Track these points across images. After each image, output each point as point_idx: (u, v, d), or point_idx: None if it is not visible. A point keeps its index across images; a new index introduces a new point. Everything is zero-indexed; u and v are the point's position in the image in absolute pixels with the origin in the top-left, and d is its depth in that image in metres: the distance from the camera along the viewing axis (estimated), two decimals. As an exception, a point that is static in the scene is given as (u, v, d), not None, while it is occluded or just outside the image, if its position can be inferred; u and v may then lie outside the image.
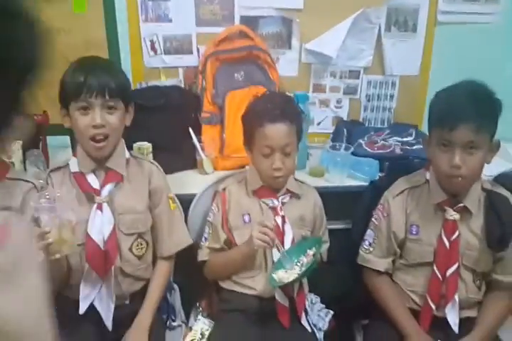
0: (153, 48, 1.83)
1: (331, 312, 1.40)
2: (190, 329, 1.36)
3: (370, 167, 1.62)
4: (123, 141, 1.33)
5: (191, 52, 1.85)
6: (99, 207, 1.24)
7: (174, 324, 1.41)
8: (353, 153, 1.74)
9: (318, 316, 1.38)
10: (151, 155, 1.63)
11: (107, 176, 1.26)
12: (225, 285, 1.37)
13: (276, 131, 1.25)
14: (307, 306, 1.37)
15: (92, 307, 1.24)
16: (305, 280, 1.36)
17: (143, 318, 1.28)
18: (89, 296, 1.24)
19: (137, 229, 1.30)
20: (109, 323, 1.24)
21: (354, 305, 1.48)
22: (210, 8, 1.79)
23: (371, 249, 1.37)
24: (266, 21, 1.82)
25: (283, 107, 1.27)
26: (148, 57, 1.85)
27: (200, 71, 1.80)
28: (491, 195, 1.28)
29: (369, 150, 1.76)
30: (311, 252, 1.24)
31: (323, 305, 1.42)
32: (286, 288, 1.29)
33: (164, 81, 1.86)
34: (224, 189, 1.39)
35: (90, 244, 1.22)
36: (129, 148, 1.59)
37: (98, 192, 1.24)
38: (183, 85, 1.88)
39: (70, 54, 1.78)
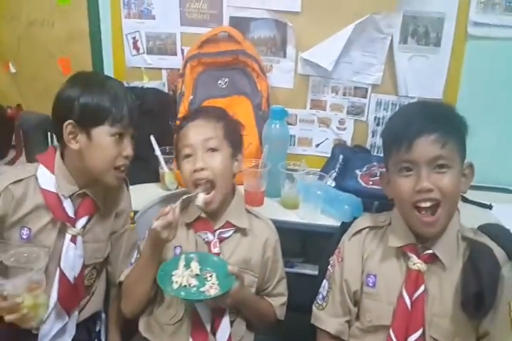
0: (135, 46, 1.69)
1: None
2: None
3: (350, 205, 1.32)
4: None
5: (175, 54, 1.68)
6: (73, 240, 1.09)
7: None
8: (340, 186, 1.47)
9: None
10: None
11: (83, 205, 1.11)
12: (144, 330, 1.14)
13: (195, 127, 1.12)
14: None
15: None
16: (239, 339, 1.11)
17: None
18: (50, 333, 1.09)
19: (96, 260, 1.16)
20: None
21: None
22: (196, 6, 1.62)
23: (324, 305, 1.10)
24: (258, 24, 1.61)
25: (209, 108, 1.18)
26: (131, 56, 1.71)
27: (180, 74, 1.62)
28: (472, 245, 0.97)
29: (362, 184, 1.47)
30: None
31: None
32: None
33: (147, 82, 1.71)
34: None
35: (63, 281, 1.07)
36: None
37: (73, 223, 1.09)
38: (166, 89, 1.72)
39: (53, 46, 1.73)
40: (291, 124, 1.66)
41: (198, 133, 1.10)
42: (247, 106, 1.57)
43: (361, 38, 1.56)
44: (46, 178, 1.08)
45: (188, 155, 1.10)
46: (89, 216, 1.12)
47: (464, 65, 1.58)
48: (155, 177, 1.54)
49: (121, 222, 1.21)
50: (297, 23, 1.58)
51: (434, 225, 0.94)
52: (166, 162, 1.50)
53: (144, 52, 1.70)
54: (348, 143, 1.70)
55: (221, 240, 1.12)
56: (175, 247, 1.13)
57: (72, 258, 1.09)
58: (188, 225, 1.14)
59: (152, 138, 1.49)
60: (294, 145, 1.71)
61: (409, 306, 0.96)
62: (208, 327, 1.06)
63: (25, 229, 1.07)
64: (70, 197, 1.09)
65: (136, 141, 1.49)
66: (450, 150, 0.93)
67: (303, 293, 1.26)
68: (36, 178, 1.08)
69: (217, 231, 1.12)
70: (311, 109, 1.68)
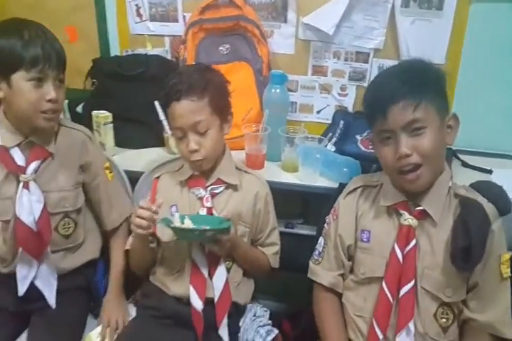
0: (138, 14, 1.70)
1: (276, 331, 1.19)
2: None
3: (349, 167, 1.35)
4: None
5: (177, 20, 1.69)
6: (26, 186, 1.14)
7: None
8: (340, 150, 1.50)
9: (256, 332, 1.18)
10: (110, 126, 1.53)
11: (32, 152, 1.15)
12: (151, 278, 1.24)
13: (182, 110, 1.09)
14: (246, 319, 1.20)
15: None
16: (235, 285, 1.18)
17: (114, 285, 1.27)
18: (28, 277, 1.17)
19: (64, 208, 1.21)
20: (52, 301, 1.18)
21: (308, 325, 1.25)
22: (198, -30, 1.61)
23: (320, 260, 1.16)
24: (259, -12, 1.61)
25: (190, 81, 1.10)
26: (134, 24, 1.72)
27: (182, 41, 1.64)
28: (463, 201, 1.01)
29: (362, 148, 1.50)
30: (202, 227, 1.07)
31: (269, 322, 1.22)
32: (200, 286, 1.12)
33: (150, 50, 1.73)
34: (158, 177, 1.26)
35: (20, 227, 1.13)
36: (90, 115, 1.51)
37: (23, 170, 1.14)
38: (169, 56, 1.74)
39: (60, 15, 1.75)
40: (292, 91, 1.67)
41: (185, 117, 1.09)
42: (248, 71, 1.58)
43: (362, 2, 1.55)
44: None
45: (181, 137, 1.13)
46: (40, 161, 1.16)
47: (467, 29, 1.56)
48: (160, 141, 1.59)
49: (91, 174, 1.26)
50: (298, -14, 1.57)
51: (416, 182, 0.98)
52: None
53: (146, 20, 1.71)
54: (350, 109, 1.70)
55: (213, 195, 1.18)
56: (171, 206, 1.19)
57: (27, 204, 1.13)
58: (182, 183, 1.20)
59: (156, 103, 1.52)
60: (296, 112, 1.73)
61: (400, 259, 1.01)
62: (206, 273, 1.13)
63: None
64: (19, 147, 1.14)
65: (140, 105, 1.56)
66: (424, 110, 0.94)
67: (303, 254, 1.32)
68: None
69: (209, 188, 1.17)
70: (312, 75, 1.69)
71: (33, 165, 1.15)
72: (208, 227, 1.05)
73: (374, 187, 1.11)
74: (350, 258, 1.12)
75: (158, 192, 1.23)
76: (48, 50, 1.07)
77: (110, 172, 1.31)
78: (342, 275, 1.13)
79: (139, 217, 1.07)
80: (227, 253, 1.14)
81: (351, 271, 1.12)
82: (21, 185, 1.14)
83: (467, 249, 0.94)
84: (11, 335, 1.18)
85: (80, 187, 1.25)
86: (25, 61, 1.05)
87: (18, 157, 1.14)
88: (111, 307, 1.24)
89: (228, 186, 1.19)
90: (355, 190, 1.13)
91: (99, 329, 1.18)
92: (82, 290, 1.27)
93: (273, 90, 1.46)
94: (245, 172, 1.24)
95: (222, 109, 1.15)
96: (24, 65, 1.05)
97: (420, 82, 0.95)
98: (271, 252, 1.25)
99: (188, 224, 1.09)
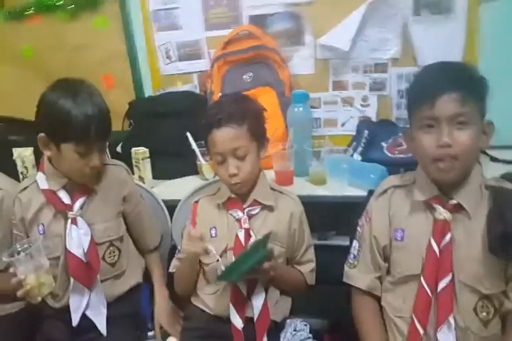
0: (168, 56, 1.86)
1: None
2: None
3: (375, 174, 1.36)
4: None
5: (203, 57, 1.82)
6: (74, 222, 1.24)
7: (150, 334, 1.35)
8: (367, 158, 1.51)
9: None
10: (147, 160, 1.64)
11: (77, 191, 1.26)
12: (193, 300, 1.28)
13: (222, 136, 1.15)
14: (287, 334, 1.20)
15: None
16: (273, 303, 1.19)
17: (161, 294, 1.36)
18: (80, 307, 1.25)
19: (109, 237, 1.30)
20: (103, 330, 1.25)
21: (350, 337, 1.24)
22: (217, 11, 1.76)
23: (355, 263, 1.16)
24: (275, 18, 1.71)
25: (230, 110, 1.16)
26: (164, 65, 1.88)
27: (208, 75, 1.76)
28: (495, 191, 1.01)
29: (388, 154, 1.51)
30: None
31: (310, 335, 1.21)
32: (240, 305, 1.15)
33: (180, 87, 1.87)
34: (197, 201, 1.31)
35: (72, 259, 1.23)
36: (129, 153, 1.64)
37: (70, 208, 1.24)
38: (198, 90, 1.87)
39: (96, 66, 1.92)
40: (315, 108, 1.73)
41: (226, 143, 1.15)
42: (272, 95, 1.67)
43: (375, 16, 1.61)
44: (42, 180, 1.26)
45: (221, 162, 1.18)
46: (85, 198, 1.25)
47: (480, 29, 1.57)
48: (194, 169, 1.67)
49: (133, 204, 1.36)
50: (311, 11, 1.67)
51: (448, 172, 0.98)
52: (202, 154, 1.62)
53: (176, 60, 1.86)
54: (373, 118, 1.73)
55: (250, 217, 1.20)
56: (210, 228, 1.23)
57: (76, 238, 1.22)
58: (220, 205, 1.25)
59: (188, 134, 1.62)
60: (320, 127, 1.77)
61: (437, 253, 1.00)
62: (245, 292, 1.16)
63: (40, 225, 1.26)
64: (64, 188, 1.24)
65: (174, 138, 1.67)
66: (470, 108, 0.96)
67: (337, 265, 1.31)
68: (37, 182, 1.26)
69: (246, 209, 1.21)
70: (333, 90, 1.74)
71: (78, 202, 1.25)
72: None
73: (405, 186, 1.11)
74: (386, 259, 1.11)
75: (198, 215, 1.27)
76: (98, 125, 1.15)
77: (143, 199, 1.42)
78: (379, 277, 1.12)
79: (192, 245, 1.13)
80: (269, 276, 1.16)
81: (388, 272, 1.10)
82: (69, 221, 1.23)
83: (505, 236, 0.93)
84: None
85: (121, 217, 1.35)
86: (76, 136, 1.15)
87: (65, 197, 1.25)
88: (162, 315, 1.31)
89: (264, 207, 1.22)
90: (385, 191, 1.13)
91: None
92: (130, 318, 1.31)
93: (296, 109, 1.52)
94: (280, 192, 1.27)
95: (259, 135, 1.20)
96: (75, 139, 1.15)
97: (470, 82, 0.98)
98: (307, 270, 1.26)
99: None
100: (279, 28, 1.72)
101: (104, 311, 1.26)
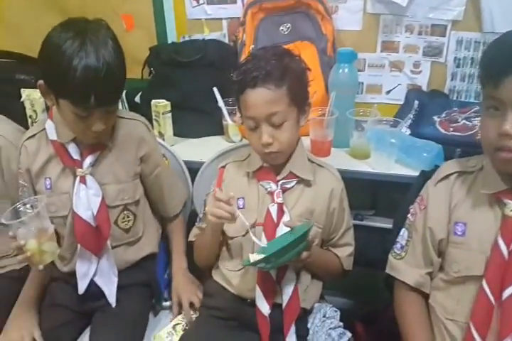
0: (195, -3, 1.64)
1: (349, 334, 1.09)
2: (181, 312, 1.21)
3: (430, 152, 1.21)
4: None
5: (235, 1, 1.60)
6: (83, 180, 1.11)
7: (166, 304, 1.26)
8: (416, 133, 1.36)
9: (327, 335, 1.08)
10: (168, 115, 1.49)
11: (87, 146, 1.11)
12: (214, 274, 1.18)
13: (257, 99, 1.00)
14: (315, 320, 1.11)
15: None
16: (304, 289, 1.09)
17: (179, 262, 1.26)
18: (88, 274, 1.15)
19: (123, 201, 1.17)
20: (112, 299, 1.16)
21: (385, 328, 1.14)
22: None
23: (403, 254, 1.04)
24: (322, -39, 1.48)
25: (268, 67, 0.99)
26: (191, 8, 1.66)
27: (240, 23, 1.56)
28: None
29: (441, 130, 1.35)
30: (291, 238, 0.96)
31: (341, 324, 1.11)
32: (268, 290, 1.04)
33: (207, 35, 1.67)
34: (224, 166, 1.18)
35: (79, 223, 1.11)
36: (149, 105, 1.48)
37: (79, 164, 1.11)
38: (227, 40, 1.67)
39: (116, 3, 1.72)
40: (358, 70, 1.53)
41: (260, 107, 1.00)
42: (312, 51, 1.47)
43: (439, -33, 1.39)
44: (51, 129, 1.12)
45: (253, 128, 1.03)
46: (97, 154, 1.12)
47: None
48: (219, 129, 1.53)
49: (151, 165, 1.22)
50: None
51: (510, 163, 0.84)
52: (230, 114, 1.47)
53: (204, 3, 1.64)
54: (424, 88, 1.55)
55: (284, 190, 1.08)
56: (238, 199, 1.11)
57: (85, 199, 1.10)
58: (250, 174, 1.12)
59: (215, 90, 1.46)
60: (362, 93, 1.60)
61: (505, 255, 0.87)
62: (274, 276, 1.05)
63: (47, 179, 1.13)
64: (74, 141, 1.10)
65: (198, 92, 1.51)
66: None
67: (373, 247, 1.21)
68: (46, 131, 1.12)
69: (280, 182, 1.08)
70: (381, 51, 1.54)
71: (89, 159, 1.11)
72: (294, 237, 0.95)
73: (470, 173, 0.97)
74: (441, 254, 0.98)
75: (225, 182, 1.15)
76: (102, 89, 0.96)
77: (166, 159, 1.29)
78: (429, 273, 1.00)
79: (218, 208, 0.99)
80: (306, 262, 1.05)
81: (441, 268, 0.99)
82: (78, 179, 1.10)
83: None
84: (75, 333, 1.16)
85: (138, 179, 1.21)
86: (73, 98, 0.98)
87: (74, 151, 1.11)
88: (180, 286, 1.21)
89: (301, 181, 1.09)
90: (447, 176, 0.98)
91: (169, 328, 1.14)
92: (143, 286, 1.23)
93: (340, 70, 1.34)
94: (318, 165, 1.13)
95: (300, 99, 1.05)
96: (71, 100, 0.98)
97: None
98: (345, 254, 1.15)
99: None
100: (324, -28, 1.49)
101: (115, 279, 1.16)
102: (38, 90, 1.29)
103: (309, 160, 1.13)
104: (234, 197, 1.00)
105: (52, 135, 1.12)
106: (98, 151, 1.13)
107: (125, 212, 1.18)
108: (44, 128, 1.13)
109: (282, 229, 1.05)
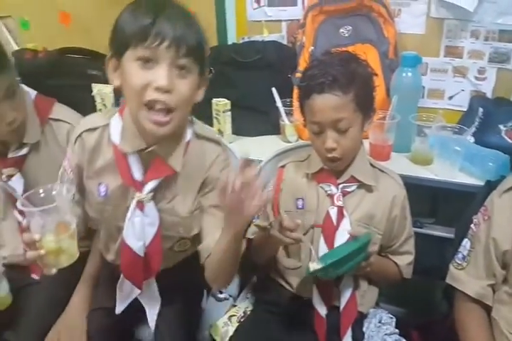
0: (257, 0, 1.65)
1: None
2: (234, 305, 1.24)
3: (496, 162, 1.18)
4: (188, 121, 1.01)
5: (295, 4, 1.61)
6: (140, 206, 0.96)
7: (221, 296, 1.28)
8: (481, 141, 1.32)
9: None
10: (228, 114, 1.51)
11: (154, 167, 0.95)
12: (270, 270, 1.19)
13: (323, 104, 0.99)
14: (370, 325, 1.10)
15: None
16: (361, 294, 1.09)
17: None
18: (127, 300, 1.06)
19: (178, 234, 1.04)
20: (152, 324, 1.07)
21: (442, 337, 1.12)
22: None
23: (464, 265, 1.01)
24: (384, -36, 1.47)
25: (335, 73, 0.98)
26: (252, 10, 1.68)
27: (300, 25, 1.56)
28: None
29: (508, 140, 1.31)
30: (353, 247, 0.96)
31: (396, 331, 1.10)
32: (326, 291, 1.04)
33: (266, 36, 1.68)
34: (283, 165, 1.18)
35: (126, 251, 0.99)
36: (209, 103, 1.49)
37: (140, 187, 0.95)
38: (285, 41, 1.68)
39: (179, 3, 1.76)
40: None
41: (327, 113, 0.99)
42: (373, 54, 1.46)
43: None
44: (116, 129, 0.96)
45: (317, 133, 1.03)
46: (160, 180, 0.96)
47: None
48: (275, 129, 1.54)
49: (212, 194, 1.00)
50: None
51: None
52: (287, 114, 1.48)
53: (264, 5, 1.66)
54: (489, 95, 1.50)
55: (344, 194, 1.07)
56: (297, 199, 1.11)
57: (138, 227, 0.96)
58: (309, 175, 1.11)
59: (274, 90, 1.47)
60: (423, 97, 1.56)
61: None
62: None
63: (102, 185, 0.99)
64: (140, 155, 0.95)
65: (257, 92, 1.52)
66: None
67: (431, 256, 1.19)
68: (110, 128, 0.97)
69: (341, 185, 1.07)
70: (444, 56, 1.51)
71: (151, 184, 0.95)
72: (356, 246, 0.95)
73: None
74: (505, 266, 0.95)
75: (284, 182, 1.15)
76: (167, 25, 0.82)
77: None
78: (492, 285, 0.97)
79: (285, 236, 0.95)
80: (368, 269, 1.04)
81: (505, 280, 0.96)
82: (134, 203, 0.96)
83: None
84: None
85: (197, 212, 1.02)
86: (132, 35, 0.83)
87: (136, 168, 0.96)
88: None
89: (361, 185, 1.08)
90: None
91: (224, 318, 1.16)
92: (187, 286, 1.16)
93: (404, 74, 1.32)
94: (380, 170, 1.11)
95: (366, 105, 1.04)
96: (132, 40, 0.84)
97: None
98: (404, 262, 1.13)
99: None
100: (388, -24, 1.48)
101: (157, 307, 1.07)
102: (108, 85, 1.30)
103: (371, 164, 1.11)
104: (300, 224, 0.96)
105: (116, 137, 0.96)
106: (163, 176, 0.96)
107: (182, 241, 1.07)
108: (108, 124, 0.98)
109: (341, 233, 1.04)
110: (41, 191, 0.84)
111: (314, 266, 0.97)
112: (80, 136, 1.00)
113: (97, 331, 1.09)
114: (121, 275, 1.02)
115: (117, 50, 0.87)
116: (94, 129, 0.99)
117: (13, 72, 1.13)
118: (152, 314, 1.07)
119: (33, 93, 1.23)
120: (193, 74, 0.88)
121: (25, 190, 1.11)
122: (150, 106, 0.85)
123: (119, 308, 1.06)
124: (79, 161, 1.01)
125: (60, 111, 1.25)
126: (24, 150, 1.18)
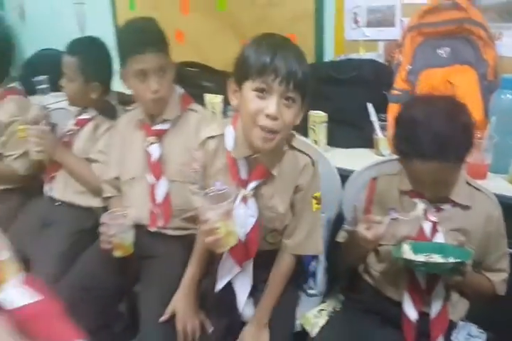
0: (355, 21, 1.76)
1: None
2: (323, 302, 1.34)
3: None
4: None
5: (393, 25, 1.70)
6: (244, 200, 1.16)
7: (311, 291, 1.39)
8: None
9: None
10: (324, 125, 1.63)
11: (256, 170, 1.15)
12: (361, 271, 1.26)
13: (428, 170, 1.03)
14: (459, 335, 1.15)
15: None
16: (452, 304, 1.13)
17: (262, 315, 1.21)
18: (226, 277, 1.21)
19: (273, 226, 1.22)
20: (241, 306, 1.21)
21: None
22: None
23: None
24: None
25: (442, 140, 1.00)
26: (350, 30, 1.79)
27: (398, 44, 1.64)
28: None
29: None
30: (450, 259, 1.03)
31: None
32: (417, 297, 1.10)
33: (363, 55, 1.78)
34: (375, 178, 1.25)
35: None
36: (305, 115, 1.60)
37: (245, 185, 1.16)
38: (382, 60, 1.76)
39: (281, 26, 1.90)
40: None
41: (429, 176, 1.05)
42: (471, 75, 1.50)
43: None
44: (230, 138, 1.16)
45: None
46: (260, 180, 1.15)
47: None
48: (369, 142, 1.62)
49: (300, 197, 1.19)
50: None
51: None
52: (381, 128, 1.56)
53: (363, 26, 1.76)
54: None
55: (438, 210, 1.12)
56: (389, 210, 1.14)
57: (242, 217, 1.14)
58: (403, 192, 1.17)
59: (369, 105, 1.56)
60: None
61: None
62: (423, 285, 1.11)
63: (219, 183, 1.15)
64: (247, 160, 1.14)
65: (352, 107, 1.61)
66: None
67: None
68: (224, 137, 1.16)
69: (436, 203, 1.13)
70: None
71: (253, 183, 1.15)
72: (453, 260, 1.03)
73: None
74: None
75: (376, 193, 1.22)
76: (282, 63, 1.00)
77: (317, 204, 1.21)
78: None
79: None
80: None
81: None
82: (240, 197, 1.15)
83: None
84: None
85: (290, 210, 1.21)
86: (253, 70, 1.03)
87: (243, 170, 1.16)
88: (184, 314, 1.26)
89: (456, 204, 1.13)
90: None
91: (314, 311, 1.26)
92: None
93: (503, 96, 1.37)
94: (476, 188, 1.15)
95: (465, 157, 1.06)
96: (252, 73, 1.03)
97: None
98: (499, 279, 1.16)
99: (424, 257, 1.07)
100: (491, 0, 1.52)
101: (248, 289, 1.21)
102: (218, 96, 1.49)
103: (467, 182, 1.15)
104: (382, 220, 1.08)
105: (229, 144, 1.16)
106: (263, 178, 1.16)
107: (274, 233, 1.24)
108: (223, 134, 1.17)
109: None
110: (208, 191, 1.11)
111: (408, 254, 1.07)
112: (204, 141, 1.21)
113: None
114: (224, 256, 1.18)
115: (239, 78, 1.07)
116: (213, 137, 1.20)
117: (169, 57, 1.38)
118: (244, 293, 1.20)
119: (181, 90, 1.49)
120: (297, 104, 1.06)
121: (159, 158, 1.41)
122: (261, 128, 1.04)
123: (219, 285, 1.20)
124: (203, 163, 1.22)
125: (195, 106, 1.49)
126: (165, 126, 1.43)
